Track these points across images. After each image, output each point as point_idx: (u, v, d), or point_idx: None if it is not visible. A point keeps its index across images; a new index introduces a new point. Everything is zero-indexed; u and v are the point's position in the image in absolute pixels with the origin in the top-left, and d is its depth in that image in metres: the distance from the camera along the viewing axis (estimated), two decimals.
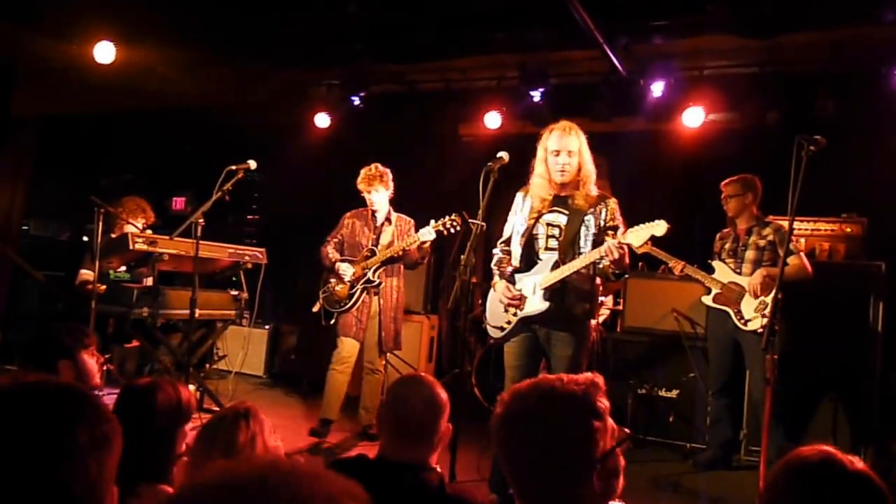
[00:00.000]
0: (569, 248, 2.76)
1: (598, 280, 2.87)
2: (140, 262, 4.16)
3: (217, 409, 3.95)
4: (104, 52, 4.55)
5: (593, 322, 2.89)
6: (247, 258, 4.33)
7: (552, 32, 4.18)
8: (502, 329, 2.87)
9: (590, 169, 2.80)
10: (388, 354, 4.80)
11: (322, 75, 5.17)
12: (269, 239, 5.59)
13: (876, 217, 4.01)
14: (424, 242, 3.75)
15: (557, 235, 2.80)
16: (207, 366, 5.14)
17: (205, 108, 5.26)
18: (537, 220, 2.82)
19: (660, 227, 2.57)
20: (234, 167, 3.69)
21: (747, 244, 3.58)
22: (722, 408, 3.70)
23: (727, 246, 3.66)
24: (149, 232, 4.12)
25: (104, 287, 3.74)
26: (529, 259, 2.83)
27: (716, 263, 3.66)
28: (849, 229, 3.98)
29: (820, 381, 3.78)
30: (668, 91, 4.43)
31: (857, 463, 1.07)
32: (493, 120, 4.87)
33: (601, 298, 4.75)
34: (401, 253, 3.81)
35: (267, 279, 4.37)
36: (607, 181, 5.52)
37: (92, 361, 2.05)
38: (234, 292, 4.39)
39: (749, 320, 3.47)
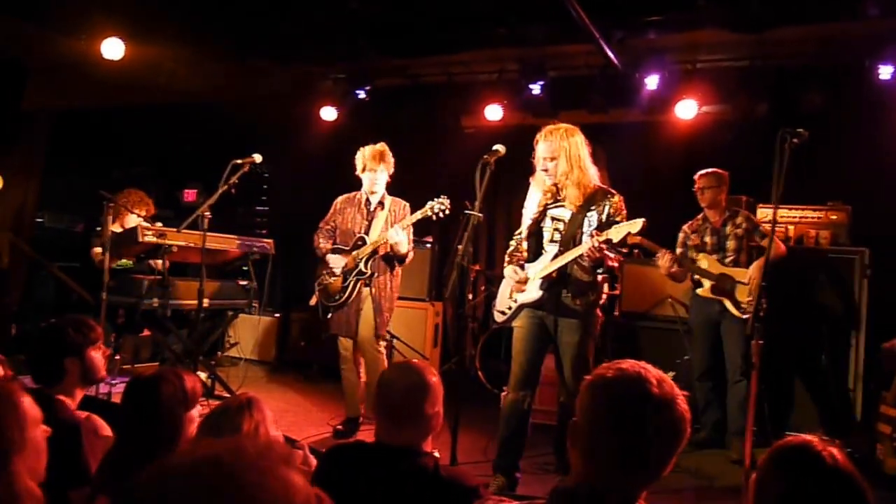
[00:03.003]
0: (569, 242, 2.88)
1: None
2: (149, 253, 4.27)
3: (228, 396, 4.05)
4: (112, 49, 4.61)
5: (598, 312, 3.00)
6: (255, 249, 4.46)
7: (550, 28, 4.30)
8: (504, 313, 3.02)
9: (581, 166, 2.88)
10: (395, 341, 5.00)
11: (328, 70, 5.28)
12: (277, 229, 5.74)
13: (860, 205, 4.15)
14: (390, 243, 3.55)
15: (561, 229, 2.94)
16: (219, 353, 5.29)
17: (213, 103, 5.37)
18: (543, 213, 2.98)
19: (636, 225, 2.70)
20: (239, 161, 3.73)
21: (727, 235, 3.72)
22: (708, 391, 3.81)
23: (707, 240, 3.78)
24: (158, 224, 4.25)
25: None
26: (536, 250, 2.99)
27: (702, 257, 3.78)
28: (834, 216, 4.11)
29: (805, 365, 3.92)
30: (663, 84, 4.55)
31: (837, 455, 1.13)
32: (494, 112, 5.01)
33: None
34: (387, 248, 3.60)
35: (276, 268, 4.49)
36: (605, 171, 5.69)
37: (98, 356, 2.07)
38: (244, 282, 4.50)
39: (746, 309, 3.55)
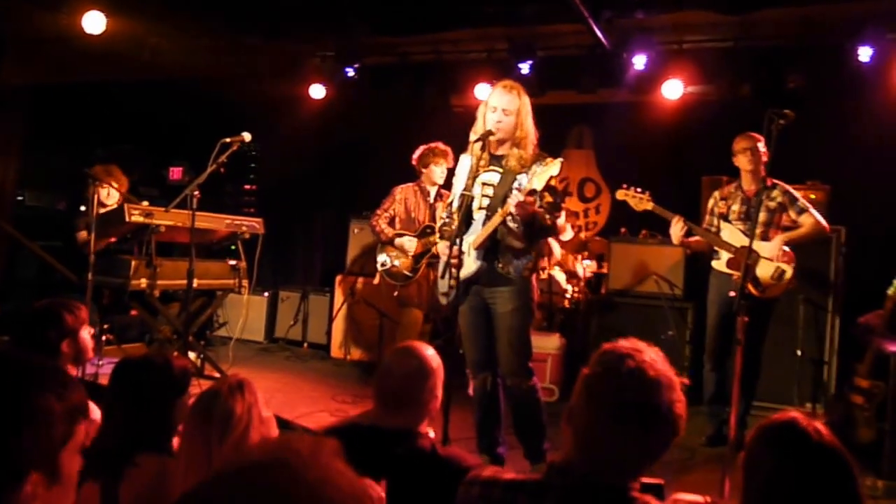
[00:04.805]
0: (498, 207, 2.70)
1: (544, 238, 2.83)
2: (136, 233, 4.21)
3: (218, 375, 4.04)
4: (93, 22, 4.49)
5: (534, 282, 2.84)
6: (244, 228, 4.42)
7: (540, 6, 4.31)
8: (447, 295, 2.85)
9: (528, 130, 2.73)
10: (385, 319, 5.04)
11: (316, 47, 5.23)
12: (266, 208, 5.71)
13: (838, 184, 4.27)
14: None
15: (490, 195, 2.77)
16: (208, 333, 5.27)
17: (199, 79, 5.28)
18: (474, 180, 2.77)
19: (555, 166, 2.56)
20: (228, 139, 3.67)
21: (758, 207, 3.29)
22: (710, 372, 3.56)
23: (735, 208, 3.44)
24: (145, 203, 4.19)
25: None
26: (467, 220, 2.80)
27: (725, 226, 3.45)
28: (813, 195, 4.17)
29: (784, 338, 4.02)
30: (650, 64, 4.58)
31: (822, 431, 1.14)
32: (483, 91, 5.02)
33: (586, 262, 5.04)
34: None
35: (265, 247, 4.47)
36: (592, 150, 5.77)
37: (88, 337, 2.07)
38: (232, 262, 4.46)
39: (766, 288, 3.30)
